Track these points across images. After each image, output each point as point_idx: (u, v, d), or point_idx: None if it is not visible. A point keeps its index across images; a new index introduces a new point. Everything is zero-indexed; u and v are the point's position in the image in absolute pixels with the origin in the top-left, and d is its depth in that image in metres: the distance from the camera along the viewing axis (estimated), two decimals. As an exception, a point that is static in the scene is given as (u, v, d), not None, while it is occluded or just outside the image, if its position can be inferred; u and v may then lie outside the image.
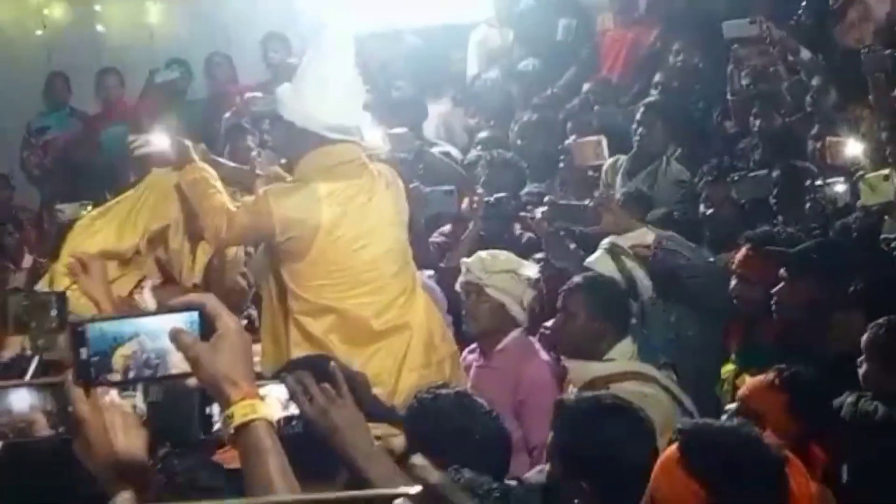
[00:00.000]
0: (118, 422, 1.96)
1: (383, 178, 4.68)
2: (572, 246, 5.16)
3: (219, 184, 4.68)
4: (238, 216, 4.53)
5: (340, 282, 4.52)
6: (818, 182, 5.31)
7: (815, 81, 6.13)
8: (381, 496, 0.96)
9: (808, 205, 5.33)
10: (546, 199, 5.45)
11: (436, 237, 6.23)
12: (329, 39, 4.58)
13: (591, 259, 4.85)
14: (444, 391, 3.30)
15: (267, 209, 4.47)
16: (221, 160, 5.15)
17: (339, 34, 4.62)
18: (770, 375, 3.42)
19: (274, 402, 2.46)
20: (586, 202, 5.35)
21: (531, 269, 4.78)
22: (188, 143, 4.82)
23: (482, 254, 4.80)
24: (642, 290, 4.75)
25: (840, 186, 5.22)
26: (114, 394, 1.99)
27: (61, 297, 4.07)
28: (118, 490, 1.93)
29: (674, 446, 2.56)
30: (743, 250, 4.56)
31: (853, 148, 5.32)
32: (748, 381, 3.61)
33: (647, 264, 4.85)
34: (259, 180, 4.99)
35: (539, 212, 5.28)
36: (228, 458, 3.74)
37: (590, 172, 6.64)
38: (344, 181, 4.52)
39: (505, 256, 4.79)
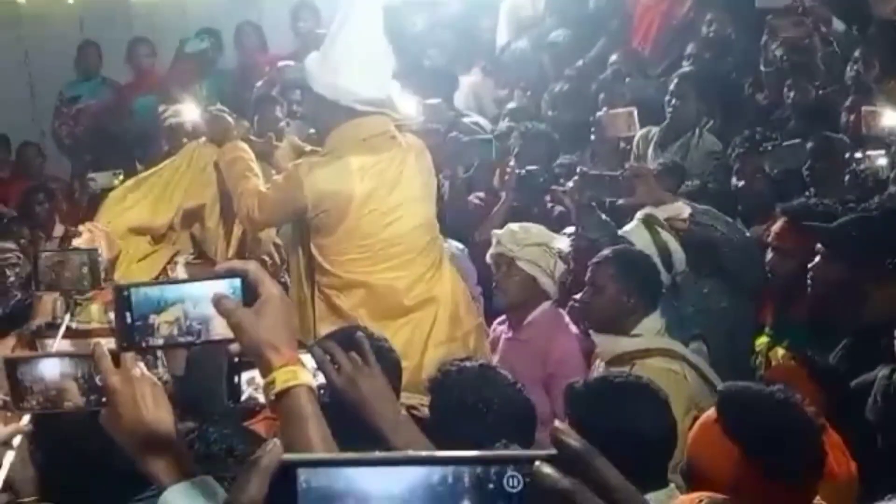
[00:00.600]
0: (148, 393, 1.96)
1: (413, 151, 4.66)
2: (603, 217, 5.13)
3: (255, 166, 4.70)
4: (269, 196, 4.53)
5: (370, 256, 4.52)
6: (857, 154, 5.24)
7: (857, 53, 6.05)
8: (516, 457, 0.95)
9: (846, 177, 5.26)
10: (578, 169, 5.41)
11: (472, 199, 6.20)
12: (357, 8, 4.53)
13: (625, 229, 4.81)
14: (468, 363, 3.31)
15: (298, 183, 4.46)
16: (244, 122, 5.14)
17: (367, 2, 4.58)
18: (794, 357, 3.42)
19: None
20: (618, 173, 5.33)
21: (562, 243, 4.76)
22: (231, 120, 4.82)
23: (513, 226, 4.78)
24: (677, 263, 4.72)
25: (882, 159, 5.17)
26: (142, 365, 1.99)
27: (93, 254, 4.09)
28: (146, 461, 1.93)
29: (712, 409, 2.56)
30: (779, 222, 4.51)
31: (890, 118, 5.25)
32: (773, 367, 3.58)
33: (682, 237, 4.84)
34: (278, 151, 4.99)
35: (570, 183, 5.25)
36: (259, 427, 3.79)
37: (621, 144, 6.60)
38: (375, 155, 4.51)
39: (536, 229, 4.77)
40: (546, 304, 4.68)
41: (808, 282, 4.14)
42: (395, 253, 4.54)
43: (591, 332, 4.33)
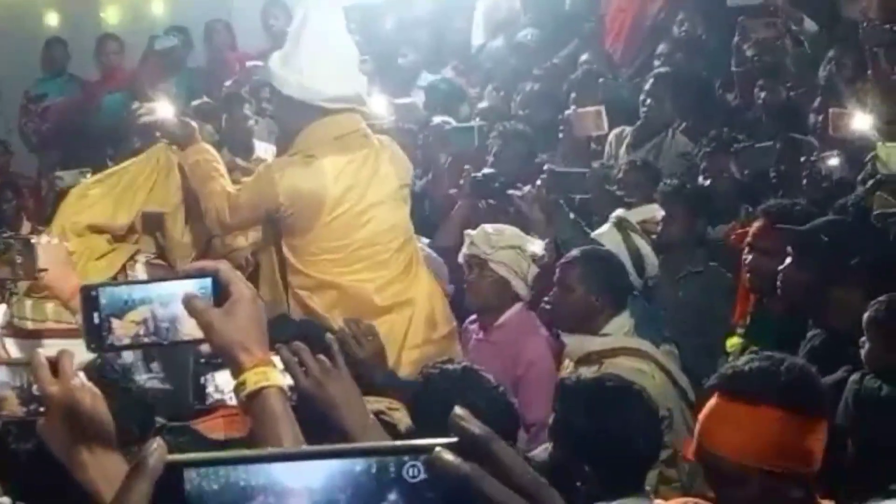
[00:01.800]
0: (87, 402, 1.92)
1: (386, 150, 4.63)
2: (572, 216, 5.12)
3: (221, 167, 4.65)
4: (240, 197, 4.49)
5: (343, 257, 4.50)
6: (813, 156, 5.26)
7: (830, 53, 6.07)
8: (416, 447, 0.93)
9: (804, 180, 5.27)
10: (545, 167, 5.39)
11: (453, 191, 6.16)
12: (317, 6, 4.50)
13: (598, 232, 4.81)
14: (450, 366, 3.28)
15: (271, 183, 4.43)
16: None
17: (323, 2, 4.54)
18: None
19: None
20: (585, 170, 5.31)
21: (536, 246, 4.73)
22: (195, 124, 4.78)
23: (487, 228, 4.74)
24: (649, 267, 4.71)
25: (834, 160, 5.19)
26: (82, 374, 1.95)
27: (27, 243, 4.01)
28: (84, 471, 1.89)
29: (713, 399, 2.56)
30: (758, 223, 4.50)
31: (859, 121, 5.27)
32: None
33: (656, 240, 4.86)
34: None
35: (527, 188, 5.20)
36: (217, 424, 3.76)
37: (592, 145, 6.60)
38: (348, 154, 4.48)
39: (510, 232, 4.74)
40: (517, 307, 4.67)
41: (778, 283, 4.14)
42: (368, 254, 4.52)
43: (559, 332, 4.32)
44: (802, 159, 5.35)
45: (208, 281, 1.84)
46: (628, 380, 3.15)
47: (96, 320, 1.87)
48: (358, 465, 0.91)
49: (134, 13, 9.82)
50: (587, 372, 4.02)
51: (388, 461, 0.91)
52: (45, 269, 4.25)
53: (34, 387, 1.94)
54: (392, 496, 0.91)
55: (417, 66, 8.58)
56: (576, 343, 4.18)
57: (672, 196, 5.11)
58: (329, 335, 2.90)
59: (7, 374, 1.99)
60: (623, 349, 4.08)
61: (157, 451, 0.95)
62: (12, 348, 3.95)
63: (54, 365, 1.92)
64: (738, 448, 2.49)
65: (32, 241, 4.12)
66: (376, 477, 0.91)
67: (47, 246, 4.02)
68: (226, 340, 1.83)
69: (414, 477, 0.91)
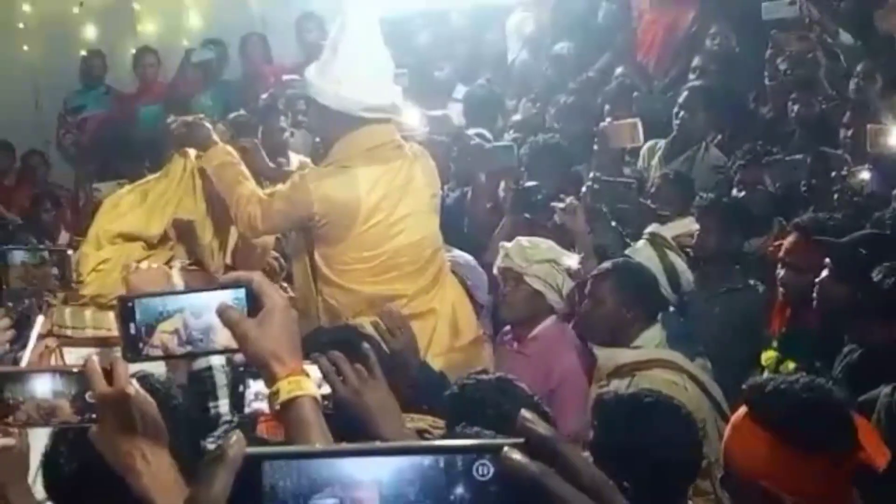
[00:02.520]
0: (140, 409, 1.94)
1: (419, 161, 4.66)
2: (613, 224, 5.11)
3: (244, 168, 4.67)
4: (273, 204, 4.50)
5: (374, 266, 4.51)
6: (843, 171, 5.23)
7: (860, 67, 6.04)
8: (484, 446, 0.96)
9: (835, 194, 5.23)
10: (591, 174, 5.37)
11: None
12: (355, 17, 4.51)
13: (632, 248, 4.80)
14: (485, 377, 3.29)
15: (306, 193, 4.45)
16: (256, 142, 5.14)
17: (361, 12, 4.55)
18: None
19: None
20: (631, 180, 5.31)
21: (572, 260, 4.73)
22: (208, 124, 4.81)
23: (523, 241, 4.74)
24: (684, 283, 4.70)
25: (865, 174, 5.16)
26: (135, 382, 1.97)
27: (63, 254, 4.06)
28: (137, 478, 1.91)
29: (742, 408, 2.58)
30: (791, 238, 4.48)
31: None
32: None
33: (689, 256, 4.84)
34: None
35: (569, 199, 5.20)
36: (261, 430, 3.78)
37: (626, 157, 6.60)
38: (382, 164, 4.50)
39: (546, 245, 4.73)
40: (551, 319, 4.66)
41: (814, 296, 4.13)
42: (399, 264, 4.53)
43: (591, 345, 4.32)
44: (833, 174, 5.31)
45: (242, 291, 1.87)
46: (666, 395, 3.14)
47: (133, 331, 1.91)
48: (426, 459, 0.94)
49: (170, 26, 9.90)
50: (619, 385, 4.02)
51: (457, 457, 0.94)
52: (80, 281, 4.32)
53: (87, 394, 1.96)
54: (459, 491, 0.93)
55: (453, 78, 8.63)
56: (607, 356, 4.17)
57: (709, 209, 5.08)
58: (366, 345, 2.92)
59: (61, 382, 2.00)
60: (656, 361, 4.06)
61: (236, 443, 0.97)
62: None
63: (107, 372, 1.94)
64: (741, 460, 2.54)
65: (69, 252, 4.18)
66: (444, 472, 0.93)
67: (148, 270, 4.09)
68: (259, 350, 1.86)
69: (483, 475, 0.94)
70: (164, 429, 1.96)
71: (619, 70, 7.75)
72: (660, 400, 3.03)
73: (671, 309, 4.50)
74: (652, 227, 4.90)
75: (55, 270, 4.01)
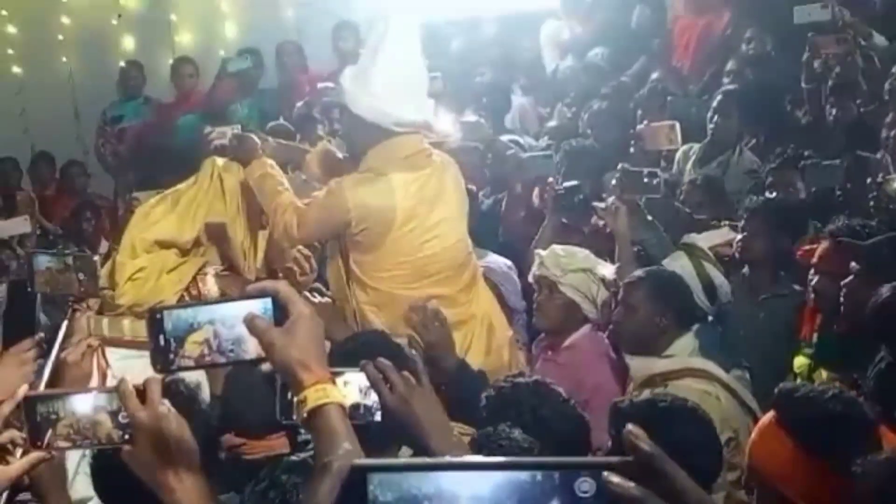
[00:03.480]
0: (173, 429, 1.97)
1: (448, 168, 4.68)
2: (649, 217, 5.08)
3: (285, 180, 4.72)
4: (310, 212, 4.53)
5: (409, 273, 4.52)
6: (879, 178, 5.15)
7: (894, 69, 5.98)
8: (585, 463, 0.98)
9: (871, 201, 5.14)
10: (619, 166, 5.34)
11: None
12: (395, 30, 4.50)
13: (668, 260, 4.75)
14: (521, 380, 3.29)
15: (342, 200, 4.47)
16: (269, 138, 5.17)
17: (403, 21, 4.55)
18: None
19: (353, 389, 2.47)
20: (656, 169, 5.28)
21: (607, 269, 4.70)
22: (256, 138, 4.87)
23: (558, 250, 4.72)
24: (721, 295, 4.66)
25: None
26: (167, 402, 2.00)
27: (89, 260, 4.07)
28: (171, 498, 1.94)
29: (770, 412, 2.59)
30: (824, 244, 4.42)
31: None
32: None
33: (727, 264, 4.78)
34: (309, 156, 5.01)
35: (611, 199, 5.17)
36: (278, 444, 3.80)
37: (662, 164, 6.58)
38: (415, 172, 4.52)
39: (582, 255, 4.70)
40: (586, 328, 4.63)
41: (842, 300, 4.09)
42: (433, 270, 4.55)
43: (624, 353, 4.29)
44: (869, 180, 5.23)
45: (269, 301, 1.90)
46: (681, 397, 3.13)
47: (162, 342, 1.94)
48: (523, 475, 0.94)
49: (206, 36, 9.99)
50: (647, 395, 4.01)
51: (553, 473, 0.95)
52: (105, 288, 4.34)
53: (121, 415, 2.01)
54: None
55: (491, 84, 8.66)
56: (640, 365, 4.15)
57: (757, 212, 4.98)
58: (413, 351, 2.92)
59: (100, 398, 2.05)
60: (688, 370, 4.04)
61: (344, 454, 0.99)
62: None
63: (141, 392, 1.98)
64: (764, 462, 2.56)
65: (94, 258, 4.22)
66: (541, 487, 0.94)
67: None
68: (286, 359, 1.88)
69: (585, 492, 0.95)
70: (195, 447, 1.98)
71: (654, 75, 7.73)
72: (674, 403, 3.02)
73: (709, 319, 4.46)
74: (688, 238, 4.86)
75: (81, 276, 4.04)
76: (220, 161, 4.86)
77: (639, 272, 4.35)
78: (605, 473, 0.96)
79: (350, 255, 4.58)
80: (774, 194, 5.52)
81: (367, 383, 2.46)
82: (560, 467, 0.96)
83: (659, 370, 4.06)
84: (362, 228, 4.49)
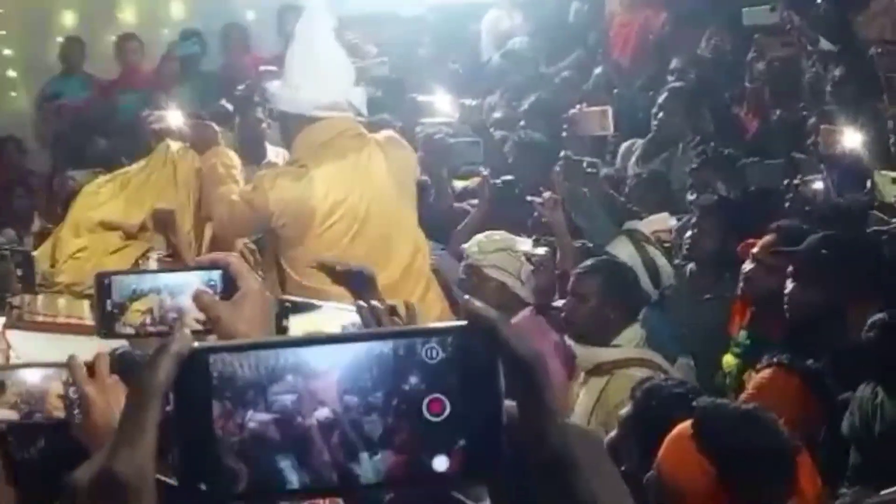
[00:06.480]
0: (121, 399, 1.95)
1: (387, 150, 4.55)
2: (594, 206, 5.10)
3: (236, 171, 4.65)
4: (237, 206, 4.44)
5: None
6: (796, 180, 5.15)
7: (837, 72, 6.04)
8: (433, 330, 0.99)
9: (787, 202, 5.14)
10: (562, 153, 5.35)
11: (465, 205, 6.08)
12: (305, 24, 4.53)
13: (610, 245, 4.80)
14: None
15: (262, 193, 4.38)
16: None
17: (314, 7, 4.57)
18: (782, 365, 3.43)
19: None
20: (597, 160, 5.29)
21: (526, 245, 4.77)
22: (217, 127, 4.81)
23: (479, 236, 4.80)
24: (664, 278, 4.71)
25: (818, 184, 5.06)
26: (116, 377, 2.02)
27: (28, 256, 4.01)
28: None
29: (687, 422, 2.57)
30: (768, 237, 4.41)
31: (850, 138, 5.18)
32: (759, 375, 3.55)
33: (668, 250, 4.81)
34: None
35: (547, 194, 5.18)
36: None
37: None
38: (338, 158, 4.41)
39: (499, 235, 4.79)
40: (525, 311, 4.67)
41: (785, 307, 4.09)
42: (361, 262, 4.42)
43: (570, 341, 4.30)
44: (787, 181, 5.22)
45: (218, 273, 1.87)
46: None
47: (108, 307, 1.91)
48: (385, 346, 0.96)
49: (150, 15, 9.86)
50: (598, 383, 4.03)
51: (410, 343, 0.96)
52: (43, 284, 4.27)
53: (70, 389, 2.02)
54: (413, 377, 0.96)
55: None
56: (586, 354, 4.19)
57: (711, 210, 4.98)
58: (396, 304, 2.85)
59: (54, 372, 2.06)
60: (635, 360, 4.09)
61: (181, 336, 0.97)
62: (22, 343, 3.94)
63: (90, 366, 1.99)
64: (671, 471, 2.59)
65: (33, 254, 4.14)
66: (397, 358, 0.96)
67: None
68: (232, 333, 1.83)
69: (432, 358, 0.96)
70: None
71: (597, 70, 7.76)
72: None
73: (652, 301, 4.49)
74: (630, 224, 4.89)
75: (18, 272, 3.97)
76: (174, 146, 4.80)
77: (589, 262, 4.37)
78: (466, 297, 1.00)
79: (279, 252, 4.50)
80: (695, 196, 5.43)
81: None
82: (408, 335, 0.98)
83: (607, 359, 4.11)
84: (283, 223, 4.40)
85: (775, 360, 3.49)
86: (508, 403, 0.98)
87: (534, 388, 0.99)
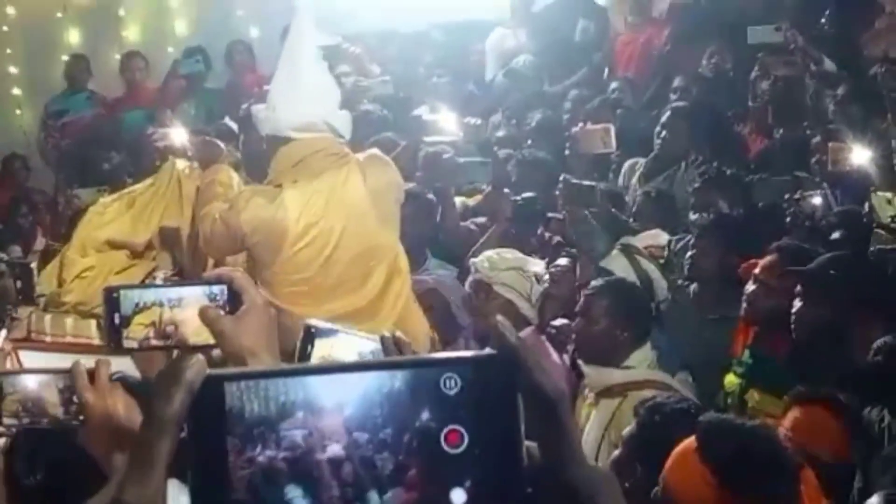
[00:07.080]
0: (119, 405, 2.00)
1: (368, 169, 4.50)
2: (596, 226, 5.10)
3: (232, 190, 4.59)
4: (216, 224, 4.40)
5: (307, 290, 4.37)
6: (796, 195, 5.16)
7: (840, 90, 6.04)
8: (452, 359, 0.97)
9: (788, 218, 5.15)
10: (561, 177, 5.35)
11: (469, 224, 6.12)
12: (287, 50, 4.54)
13: (605, 261, 4.79)
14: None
15: (236, 212, 4.35)
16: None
17: (298, 27, 4.54)
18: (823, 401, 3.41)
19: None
20: (595, 183, 5.30)
21: (537, 266, 4.78)
22: (223, 145, 4.80)
23: (489, 252, 4.81)
24: (659, 291, 4.71)
25: (817, 199, 5.08)
26: (118, 383, 2.03)
27: (26, 268, 4.00)
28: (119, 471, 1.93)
29: (692, 438, 2.58)
30: (769, 257, 4.41)
31: (859, 155, 5.19)
32: (793, 414, 3.50)
33: (661, 265, 4.82)
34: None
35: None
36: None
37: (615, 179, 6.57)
38: (311, 181, 4.37)
39: (511, 254, 4.80)
40: (527, 331, 4.64)
41: (792, 326, 4.08)
42: (334, 283, 4.38)
43: (580, 362, 4.28)
44: (787, 196, 5.23)
45: (223, 288, 1.89)
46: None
47: (116, 321, 1.93)
48: (395, 381, 0.94)
49: (155, 32, 9.89)
50: (610, 404, 4.01)
51: (426, 373, 0.95)
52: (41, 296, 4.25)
53: (73, 396, 2.03)
54: (425, 412, 0.94)
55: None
56: (597, 375, 4.16)
57: (708, 230, 4.98)
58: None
59: (56, 379, 2.07)
60: (648, 382, 4.05)
61: (195, 364, 0.96)
62: (30, 363, 3.95)
63: (92, 374, 2.01)
64: (678, 489, 2.60)
65: (31, 266, 4.14)
66: (410, 393, 0.94)
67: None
68: (236, 347, 1.86)
69: (450, 388, 0.94)
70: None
71: (613, 85, 7.77)
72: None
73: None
74: (624, 240, 4.90)
75: (18, 284, 3.97)
76: (180, 165, 4.80)
77: (598, 282, 4.36)
78: (497, 317, 0.97)
79: (254, 269, 4.40)
80: (697, 216, 5.43)
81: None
82: (425, 364, 0.97)
83: (618, 381, 4.08)
84: (255, 241, 4.36)
85: (811, 393, 3.46)
86: (529, 444, 0.96)
87: (557, 428, 0.97)
